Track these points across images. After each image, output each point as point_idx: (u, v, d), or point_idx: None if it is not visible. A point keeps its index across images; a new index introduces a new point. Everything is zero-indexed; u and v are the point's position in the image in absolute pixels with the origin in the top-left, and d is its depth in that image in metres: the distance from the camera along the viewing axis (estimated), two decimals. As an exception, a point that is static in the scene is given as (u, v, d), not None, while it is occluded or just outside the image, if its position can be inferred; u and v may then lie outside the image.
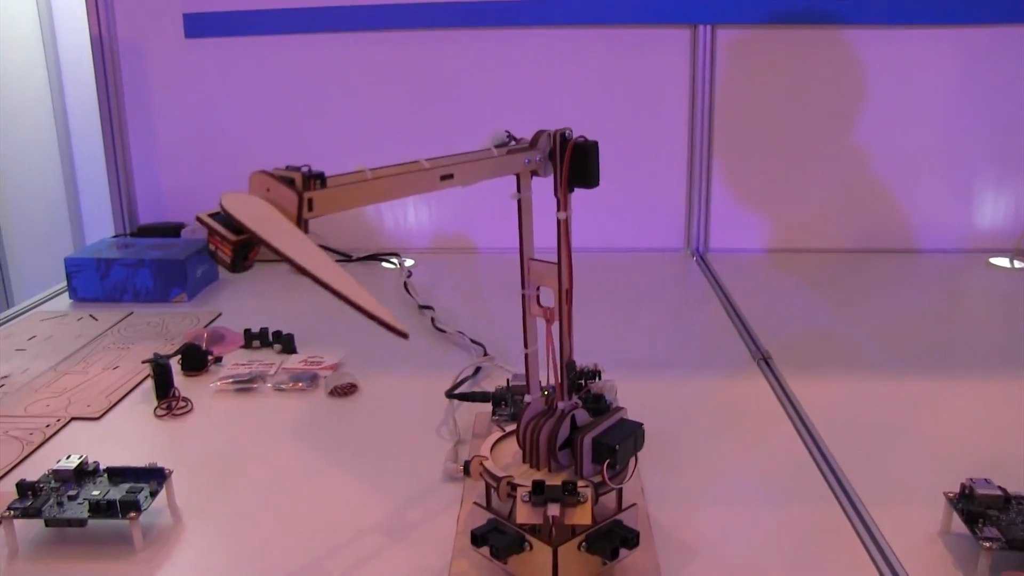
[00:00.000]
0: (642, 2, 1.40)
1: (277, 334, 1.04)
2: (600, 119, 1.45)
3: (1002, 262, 1.39)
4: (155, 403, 0.87)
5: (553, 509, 0.54)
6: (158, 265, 1.22)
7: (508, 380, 0.82)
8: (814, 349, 1.02)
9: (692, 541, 0.63)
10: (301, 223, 0.46)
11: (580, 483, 0.56)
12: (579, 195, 0.58)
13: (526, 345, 0.62)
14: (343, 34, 1.45)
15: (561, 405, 0.59)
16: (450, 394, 0.86)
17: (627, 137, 1.46)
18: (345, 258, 1.45)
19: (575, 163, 0.58)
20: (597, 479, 0.57)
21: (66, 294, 1.25)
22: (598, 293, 1.24)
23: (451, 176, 0.53)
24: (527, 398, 0.62)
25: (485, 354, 0.98)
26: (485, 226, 1.52)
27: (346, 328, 1.11)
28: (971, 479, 0.62)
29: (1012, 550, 0.56)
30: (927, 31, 1.39)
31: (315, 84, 1.48)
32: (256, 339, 1.04)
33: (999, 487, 0.61)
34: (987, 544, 0.56)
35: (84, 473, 0.66)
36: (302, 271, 0.44)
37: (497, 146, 0.57)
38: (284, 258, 0.44)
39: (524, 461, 0.60)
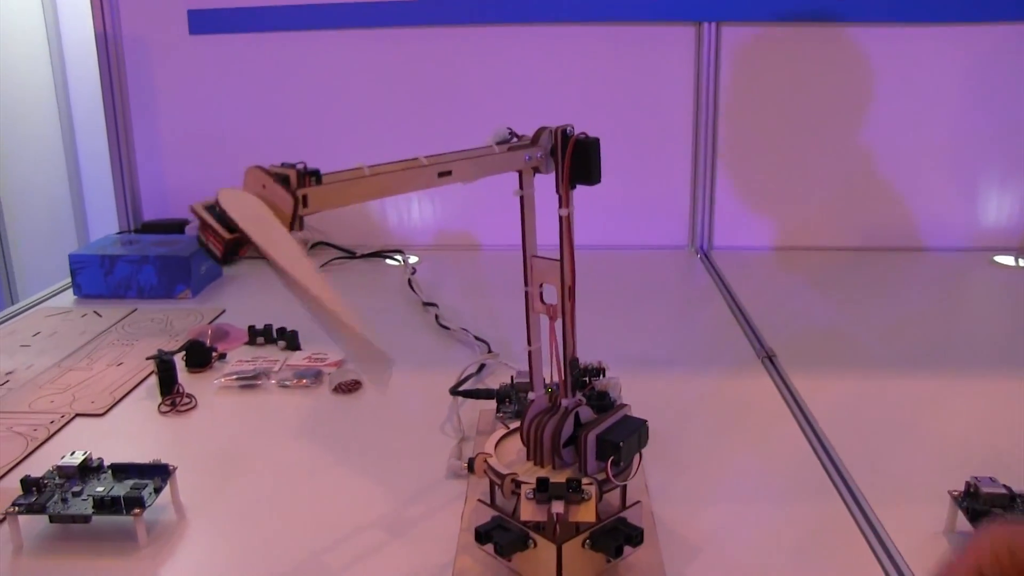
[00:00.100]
0: (647, -1, 1.40)
1: (281, 331, 1.04)
2: (604, 117, 1.44)
3: (1007, 260, 1.38)
4: (159, 399, 0.87)
5: (557, 506, 0.54)
6: (162, 261, 1.22)
7: (512, 377, 0.82)
8: (818, 347, 1.02)
9: (696, 538, 0.63)
10: (295, 223, 0.46)
11: (584, 480, 0.56)
12: (582, 192, 0.58)
13: (530, 342, 0.62)
14: (347, 31, 1.45)
15: (565, 402, 0.59)
16: (454, 391, 0.86)
17: (631, 134, 1.46)
18: (349, 255, 1.45)
19: (576, 160, 0.57)
20: (601, 476, 0.57)
21: (70, 290, 1.25)
22: (601, 290, 1.24)
23: (449, 173, 0.53)
24: (531, 395, 0.62)
25: (489, 351, 0.98)
26: (488, 223, 1.52)
27: (350, 325, 1.11)
28: (976, 477, 0.62)
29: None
30: (931, 29, 1.38)
31: (319, 81, 1.48)
32: (260, 336, 1.04)
33: (1004, 485, 0.61)
34: (992, 542, 0.56)
35: (88, 469, 0.66)
36: (286, 279, 0.44)
37: (499, 143, 0.57)
38: (271, 263, 0.44)
39: (528, 458, 0.60)
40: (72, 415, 0.84)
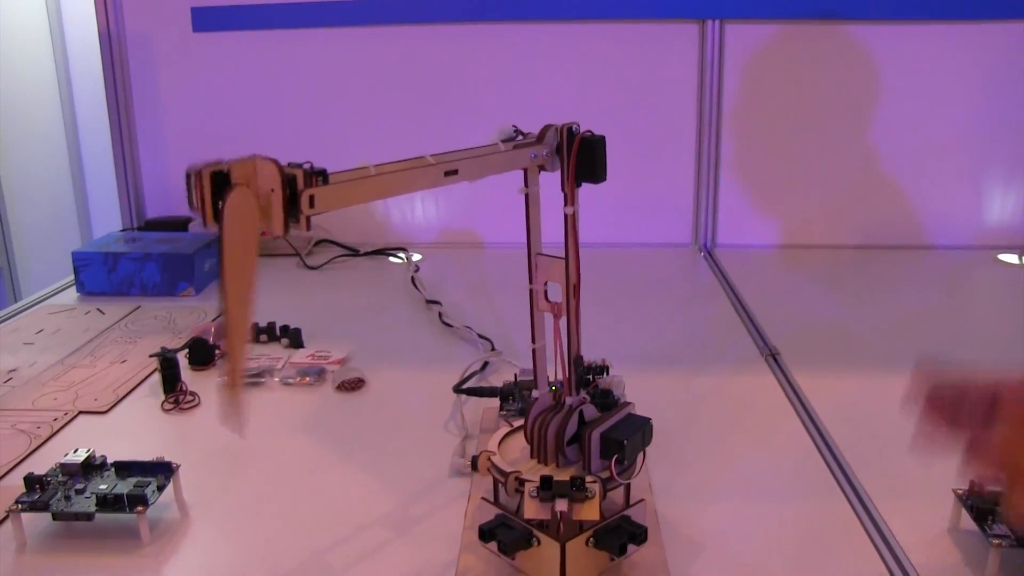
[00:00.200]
0: (650, -4, 1.40)
1: (284, 328, 1.04)
2: (608, 115, 1.44)
3: (1011, 258, 1.38)
4: (162, 397, 0.87)
5: (561, 504, 0.54)
6: (166, 259, 1.22)
7: (516, 375, 0.82)
8: (822, 345, 1.02)
9: (700, 537, 0.63)
10: (287, 229, 0.45)
11: (588, 478, 0.56)
12: (587, 190, 0.58)
13: (534, 340, 0.62)
14: (351, 29, 1.45)
15: (569, 400, 0.59)
16: (458, 389, 0.86)
17: (635, 132, 1.45)
18: (352, 252, 1.45)
19: (582, 157, 0.57)
20: (605, 474, 0.57)
21: (73, 288, 1.25)
22: (606, 288, 1.24)
23: (455, 172, 0.53)
24: (535, 393, 0.62)
25: (493, 349, 0.98)
26: (492, 221, 1.52)
27: (353, 323, 1.11)
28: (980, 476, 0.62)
29: (1022, 547, 0.56)
30: (936, 26, 1.38)
31: (322, 78, 1.48)
32: (263, 333, 1.04)
33: (1009, 484, 0.61)
34: (996, 541, 0.56)
35: (91, 467, 0.66)
36: (222, 283, 0.44)
37: (504, 141, 0.57)
38: (219, 258, 0.43)
39: (532, 456, 0.60)
40: (75, 413, 0.84)
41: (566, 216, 0.58)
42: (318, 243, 1.48)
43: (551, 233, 0.60)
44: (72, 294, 1.24)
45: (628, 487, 0.59)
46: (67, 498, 0.63)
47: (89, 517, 0.62)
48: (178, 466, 0.67)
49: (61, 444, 0.78)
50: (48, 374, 0.94)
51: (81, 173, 2.11)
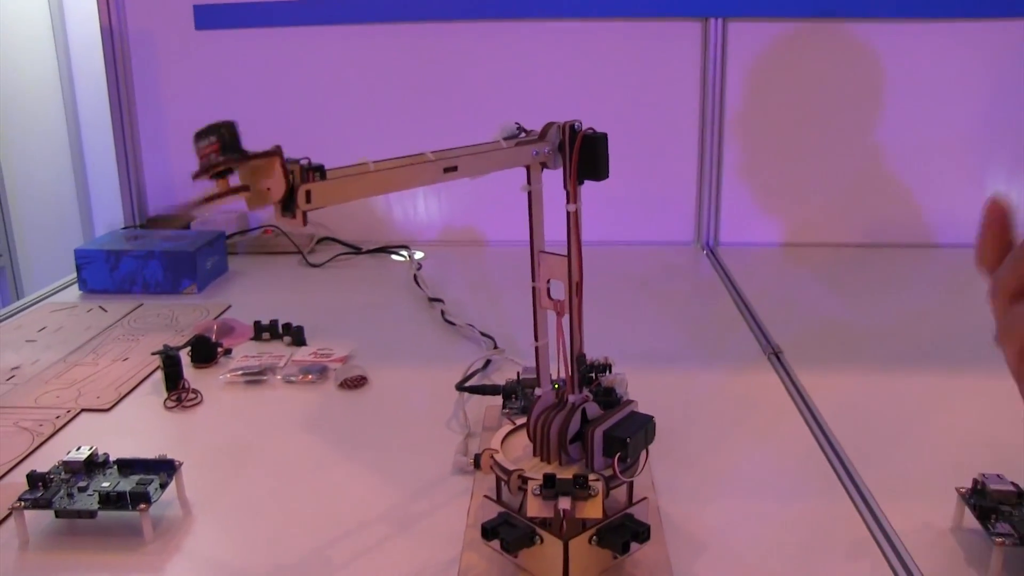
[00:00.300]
0: (653, -6, 1.40)
1: (287, 326, 1.04)
2: (611, 112, 1.44)
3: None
4: (165, 395, 0.87)
5: (564, 503, 0.54)
6: (168, 257, 1.22)
7: (518, 373, 0.82)
8: (825, 343, 1.02)
9: (703, 535, 0.62)
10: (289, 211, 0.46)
11: (591, 477, 0.56)
12: (589, 188, 0.58)
13: (536, 338, 0.62)
14: (353, 26, 1.45)
15: (572, 398, 0.59)
16: (460, 387, 0.85)
17: (638, 130, 1.45)
18: (354, 250, 1.45)
19: (584, 155, 0.57)
20: (608, 472, 0.57)
21: (76, 285, 1.25)
22: (609, 286, 1.24)
23: (455, 168, 0.53)
24: (537, 391, 0.62)
25: (495, 347, 0.98)
26: (495, 219, 1.52)
27: (356, 321, 1.11)
28: (983, 474, 0.62)
29: (1025, 546, 0.56)
30: (941, 24, 1.38)
31: (325, 76, 1.48)
32: (266, 331, 1.04)
33: (1012, 483, 0.61)
34: (1000, 540, 0.56)
35: (94, 464, 0.66)
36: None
37: (506, 138, 0.57)
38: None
39: (535, 454, 0.60)
40: (78, 410, 0.84)
41: (568, 214, 0.58)
42: (320, 241, 1.48)
43: (553, 231, 0.60)
44: (74, 292, 1.24)
45: (631, 485, 0.59)
46: (70, 496, 0.63)
47: (92, 515, 0.62)
48: (181, 464, 0.67)
49: (64, 442, 0.78)
50: (50, 372, 0.94)
51: (83, 171, 2.11)
